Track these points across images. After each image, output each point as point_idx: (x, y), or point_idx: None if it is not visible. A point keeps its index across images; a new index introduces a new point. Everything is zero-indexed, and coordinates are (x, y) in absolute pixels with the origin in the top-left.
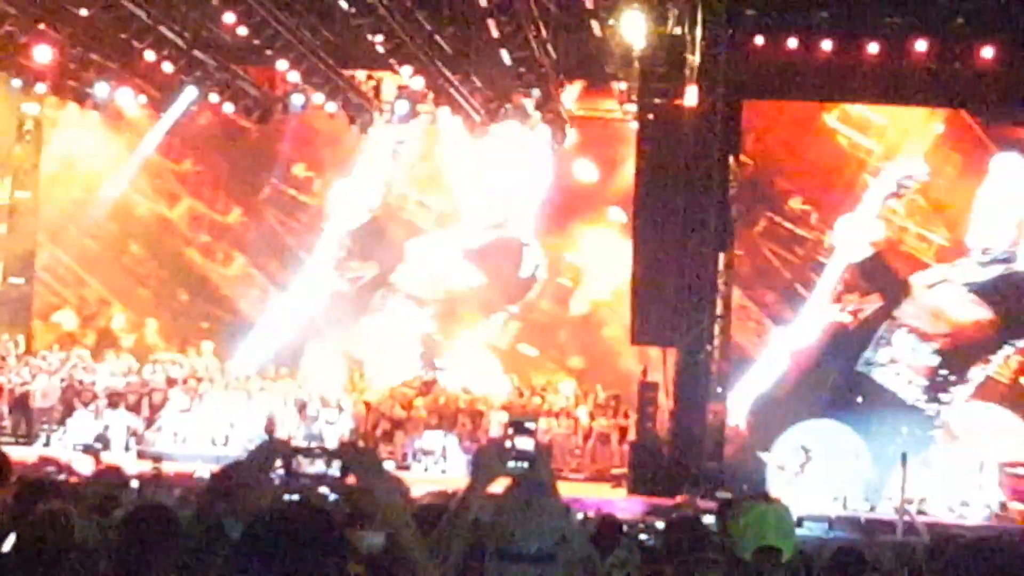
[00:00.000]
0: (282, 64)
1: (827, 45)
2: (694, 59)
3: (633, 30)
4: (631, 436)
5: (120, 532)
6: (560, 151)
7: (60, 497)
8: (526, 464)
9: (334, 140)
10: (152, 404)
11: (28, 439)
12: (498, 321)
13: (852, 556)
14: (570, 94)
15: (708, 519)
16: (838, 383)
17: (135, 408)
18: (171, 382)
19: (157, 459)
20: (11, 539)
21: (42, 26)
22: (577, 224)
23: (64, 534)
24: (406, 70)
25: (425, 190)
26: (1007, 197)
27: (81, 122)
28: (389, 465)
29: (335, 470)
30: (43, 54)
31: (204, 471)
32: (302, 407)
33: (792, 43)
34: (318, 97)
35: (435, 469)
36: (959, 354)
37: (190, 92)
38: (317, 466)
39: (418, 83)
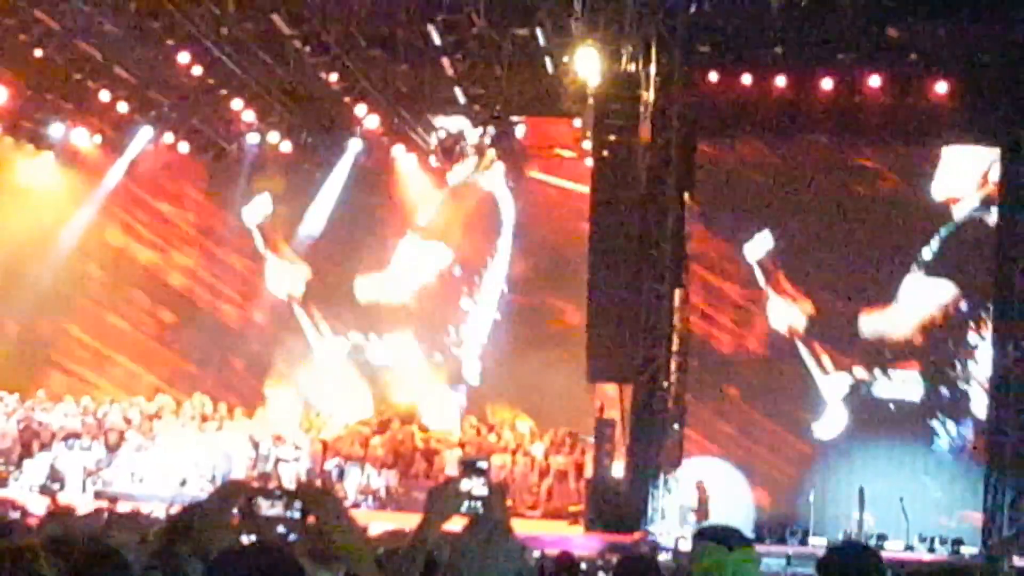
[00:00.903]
0: (236, 103)
1: (781, 81)
2: (649, 96)
3: (587, 67)
4: (588, 473)
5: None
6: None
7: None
8: (480, 504)
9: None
10: (108, 444)
11: None
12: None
13: None
14: (524, 131)
15: (664, 557)
16: None
17: (91, 448)
18: (127, 422)
19: (114, 499)
20: None
21: None
22: None
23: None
24: (361, 108)
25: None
26: None
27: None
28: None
29: (295, 511)
30: None
31: (159, 510)
32: (256, 446)
33: (746, 79)
34: (273, 136)
35: (390, 508)
36: None
37: (145, 132)
38: (277, 507)
39: (373, 121)
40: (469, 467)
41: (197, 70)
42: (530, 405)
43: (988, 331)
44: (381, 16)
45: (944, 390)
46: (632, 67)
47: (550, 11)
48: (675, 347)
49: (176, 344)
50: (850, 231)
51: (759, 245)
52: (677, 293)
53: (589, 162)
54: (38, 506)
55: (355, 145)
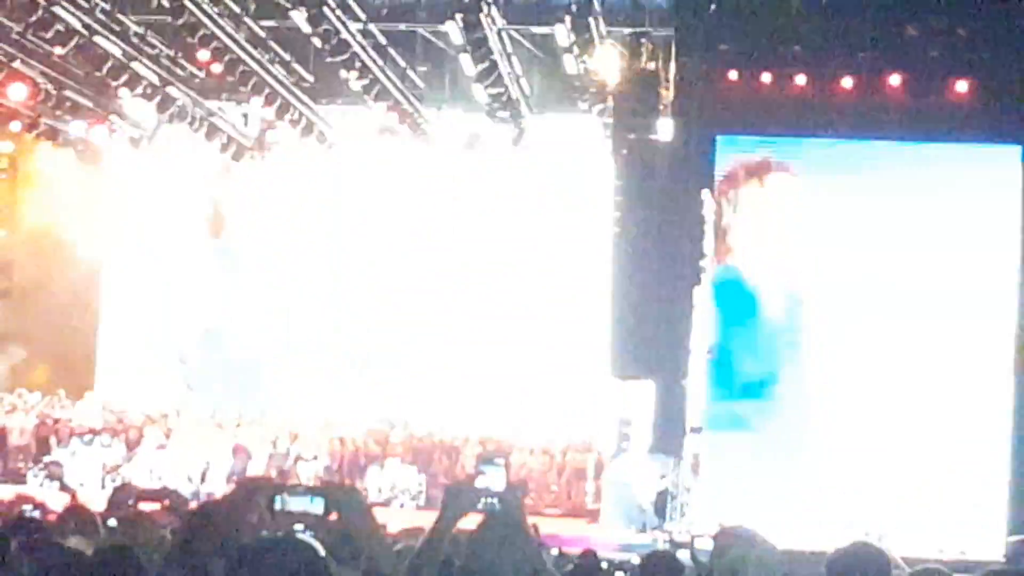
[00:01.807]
0: (256, 101)
1: (801, 80)
2: (668, 94)
3: (607, 66)
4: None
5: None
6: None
7: (40, 534)
8: (497, 501)
9: None
10: (128, 441)
11: (4, 476)
12: None
13: None
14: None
15: (683, 554)
16: None
17: (110, 446)
18: (147, 420)
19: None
20: None
21: (16, 64)
22: None
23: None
24: (380, 107)
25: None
26: None
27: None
28: None
29: (317, 507)
30: (18, 92)
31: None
32: (274, 443)
33: (766, 78)
34: (292, 134)
35: (410, 505)
36: None
37: (165, 130)
38: (300, 504)
39: (392, 119)
40: (487, 463)
41: (217, 68)
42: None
43: None
44: (400, 14)
45: None
46: (652, 65)
47: (569, 9)
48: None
49: None
50: None
51: None
52: (696, 290)
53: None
54: (56, 503)
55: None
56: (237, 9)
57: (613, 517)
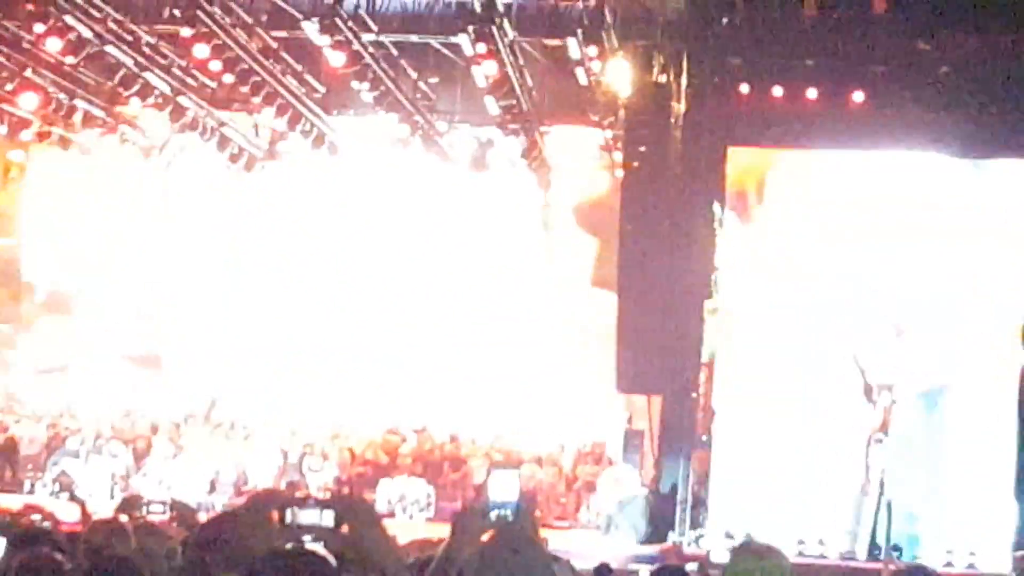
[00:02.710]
0: (268, 111)
1: (812, 94)
2: (680, 107)
3: (619, 78)
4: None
5: None
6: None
7: (53, 545)
8: (508, 513)
9: None
10: (136, 451)
11: (13, 486)
12: None
13: None
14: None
15: (691, 567)
16: None
17: (119, 454)
18: (154, 429)
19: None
20: None
21: (28, 73)
22: None
23: None
24: (392, 118)
25: None
26: None
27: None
28: None
29: (328, 520)
30: (29, 101)
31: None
32: (284, 454)
33: (777, 91)
34: (303, 145)
35: (420, 517)
36: None
37: (176, 139)
38: (311, 516)
39: (404, 131)
40: (498, 474)
41: (228, 78)
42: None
43: None
44: (412, 25)
45: None
46: (663, 78)
47: (581, 21)
48: (704, 358)
49: None
50: None
51: None
52: (706, 304)
53: (619, 173)
54: (66, 513)
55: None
56: (249, 19)
57: (623, 529)
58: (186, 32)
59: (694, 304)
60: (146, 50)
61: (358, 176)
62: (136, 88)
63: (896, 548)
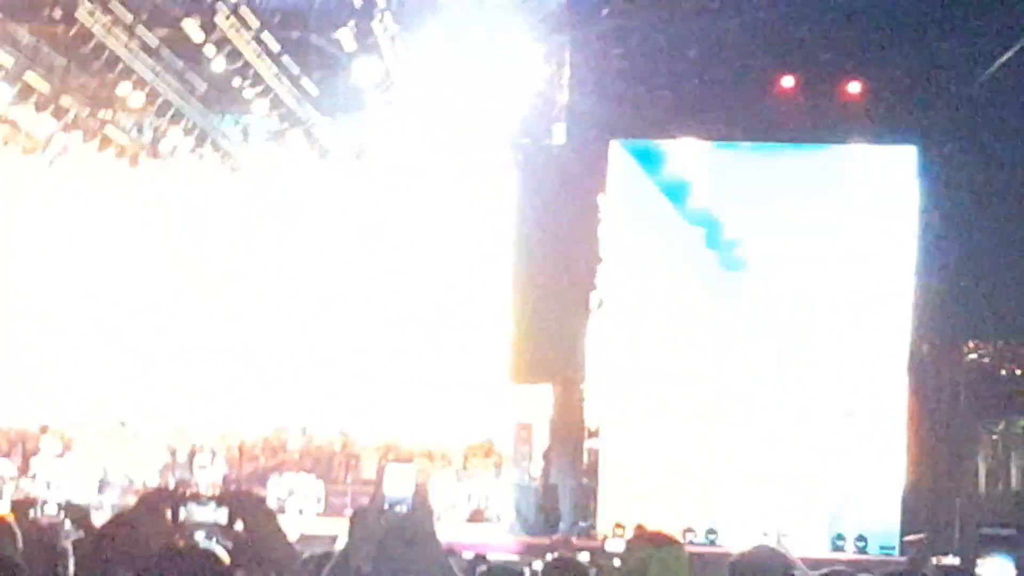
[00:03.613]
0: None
1: (695, 85)
2: (563, 98)
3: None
4: (507, 475)
5: None
6: None
7: None
8: (404, 508)
9: None
10: (24, 451)
11: None
12: None
13: None
14: None
15: (583, 557)
16: None
17: (8, 455)
18: (43, 429)
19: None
20: None
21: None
22: None
23: None
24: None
25: None
26: None
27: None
28: None
29: (222, 516)
30: None
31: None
32: (173, 452)
33: (661, 83)
34: (186, 142)
35: (310, 512)
36: None
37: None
38: (204, 513)
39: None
40: (392, 469)
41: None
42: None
43: None
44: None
45: None
46: (548, 69)
47: None
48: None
49: None
50: None
51: None
52: (593, 294)
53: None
54: None
55: None
56: (129, 18)
57: (514, 521)
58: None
59: (581, 295)
60: (26, 51)
61: (242, 174)
62: (17, 88)
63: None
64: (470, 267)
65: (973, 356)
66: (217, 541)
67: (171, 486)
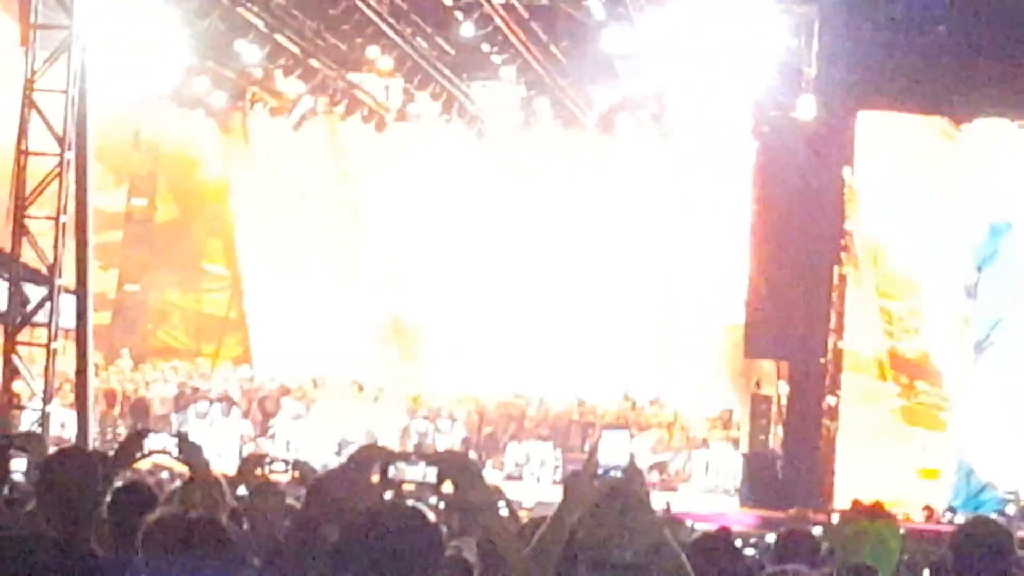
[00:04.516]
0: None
1: (946, 60)
2: (811, 71)
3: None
4: (743, 449)
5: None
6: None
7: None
8: (619, 475)
9: None
10: (264, 411)
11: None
12: None
13: None
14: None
15: (817, 531)
16: None
17: (248, 415)
18: (284, 390)
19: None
20: None
21: None
22: None
23: None
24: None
25: None
26: None
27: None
28: (499, 476)
29: (431, 477)
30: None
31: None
32: (412, 415)
33: (911, 56)
34: (433, 107)
35: (546, 480)
36: None
37: (307, 101)
38: (414, 472)
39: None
40: (609, 435)
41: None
42: None
43: None
44: None
45: None
46: (794, 42)
47: None
48: (832, 324)
49: None
50: None
51: None
52: (836, 269)
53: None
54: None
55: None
56: None
57: (749, 494)
58: None
59: (824, 270)
60: (276, 12)
61: (488, 142)
62: (267, 49)
63: None
64: (709, 240)
65: None
66: (425, 502)
67: (386, 446)
